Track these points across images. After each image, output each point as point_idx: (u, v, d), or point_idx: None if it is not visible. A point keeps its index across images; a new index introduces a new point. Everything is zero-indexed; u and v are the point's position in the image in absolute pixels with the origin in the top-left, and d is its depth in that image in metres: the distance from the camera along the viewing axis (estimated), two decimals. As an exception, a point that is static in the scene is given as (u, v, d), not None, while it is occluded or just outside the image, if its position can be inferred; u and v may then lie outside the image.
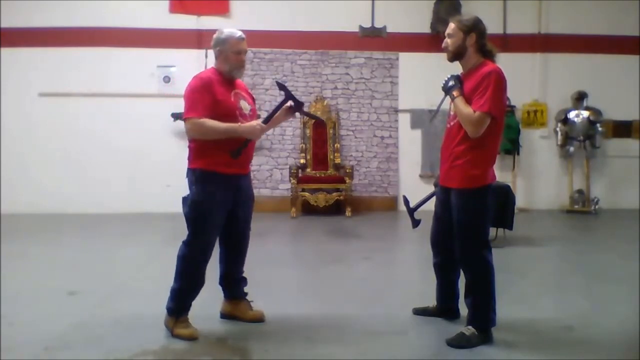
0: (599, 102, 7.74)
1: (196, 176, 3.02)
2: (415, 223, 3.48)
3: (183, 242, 3.06)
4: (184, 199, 3.07)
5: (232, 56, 3.06)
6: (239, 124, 2.97)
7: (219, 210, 3.02)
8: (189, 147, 3.08)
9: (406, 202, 3.53)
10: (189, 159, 3.07)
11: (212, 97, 2.97)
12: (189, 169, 3.06)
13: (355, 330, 3.14)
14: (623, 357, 2.84)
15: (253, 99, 3.29)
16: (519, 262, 4.86)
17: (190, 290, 3.07)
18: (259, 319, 3.27)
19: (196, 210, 3.00)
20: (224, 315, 3.31)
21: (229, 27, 3.20)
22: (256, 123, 3.01)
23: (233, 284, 3.30)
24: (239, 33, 3.10)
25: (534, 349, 2.88)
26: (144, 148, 7.36)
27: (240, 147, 2.98)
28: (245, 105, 3.11)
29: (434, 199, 3.32)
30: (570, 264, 4.93)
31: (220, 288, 3.30)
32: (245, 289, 3.35)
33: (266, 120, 3.11)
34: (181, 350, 2.86)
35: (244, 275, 3.34)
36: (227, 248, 3.24)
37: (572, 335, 3.09)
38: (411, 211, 3.50)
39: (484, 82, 2.81)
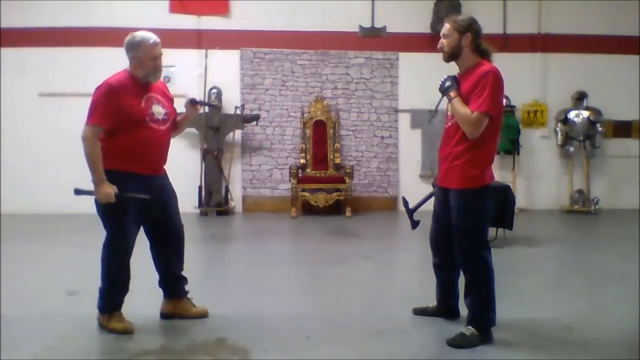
0: (599, 102, 7.74)
1: (107, 175, 2.96)
2: (414, 224, 3.48)
3: (103, 243, 3.07)
4: (97, 201, 3.01)
5: (147, 62, 3.01)
6: (104, 179, 2.89)
7: (131, 208, 3.00)
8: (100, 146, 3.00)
9: (405, 203, 3.53)
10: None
11: (118, 105, 2.92)
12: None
13: (355, 330, 3.13)
14: (623, 357, 2.84)
15: (171, 101, 3.23)
16: (519, 262, 4.86)
17: (116, 289, 3.09)
18: (204, 315, 3.28)
19: (108, 210, 2.97)
20: (165, 316, 3.28)
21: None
22: (112, 193, 2.88)
23: (173, 283, 3.29)
24: (153, 38, 3.04)
25: (534, 349, 2.87)
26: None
27: (130, 196, 2.93)
28: (158, 110, 3.07)
29: (432, 199, 3.32)
30: (570, 264, 4.93)
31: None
32: (187, 287, 3.33)
33: (119, 197, 2.91)
34: (181, 350, 2.86)
35: (183, 273, 3.32)
36: (160, 250, 3.23)
37: (572, 335, 3.09)
38: (410, 212, 3.50)
39: (481, 82, 2.80)
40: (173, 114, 3.22)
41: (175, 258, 3.28)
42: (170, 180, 3.25)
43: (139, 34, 3.04)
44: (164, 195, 3.16)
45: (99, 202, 2.94)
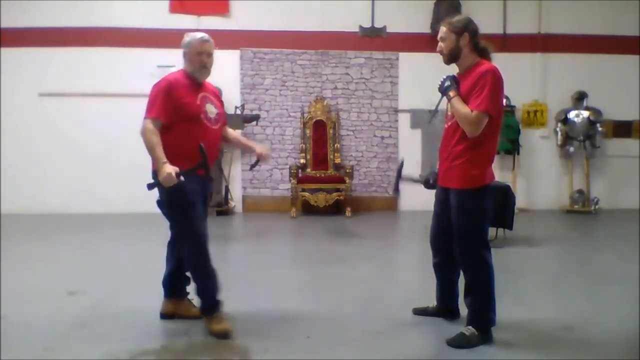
0: (599, 102, 7.74)
1: None
2: (396, 190, 3.46)
3: (179, 245, 3.05)
4: (159, 203, 3.02)
5: (194, 57, 3.08)
6: (165, 162, 2.90)
7: (197, 200, 3.03)
8: None
9: (400, 166, 3.45)
10: None
11: (175, 100, 2.97)
12: (155, 170, 3.01)
13: (355, 330, 3.14)
14: (623, 357, 2.84)
15: (221, 103, 3.30)
16: (519, 262, 4.86)
17: (210, 283, 3.05)
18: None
19: (176, 207, 2.98)
20: (165, 316, 3.28)
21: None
22: (173, 173, 2.87)
23: (179, 283, 3.29)
24: (202, 35, 3.12)
25: (534, 349, 2.88)
26: (143, 148, 7.31)
27: (194, 167, 2.98)
28: (211, 109, 3.12)
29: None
30: (570, 264, 4.93)
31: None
32: (187, 288, 3.33)
33: (180, 174, 2.91)
34: (181, 350, 2.86)
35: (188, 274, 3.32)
36: (180, 246, 3.21)
37: (572, 335, 3.09)
38: (399, 176, 3.42)
39: (481, 81, 2.81)
40: (223, 116, 3.26)
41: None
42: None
43: (192, 33, 3.15)
44: (205, 195, 3.19)
45: (164, 186, 2.89)
